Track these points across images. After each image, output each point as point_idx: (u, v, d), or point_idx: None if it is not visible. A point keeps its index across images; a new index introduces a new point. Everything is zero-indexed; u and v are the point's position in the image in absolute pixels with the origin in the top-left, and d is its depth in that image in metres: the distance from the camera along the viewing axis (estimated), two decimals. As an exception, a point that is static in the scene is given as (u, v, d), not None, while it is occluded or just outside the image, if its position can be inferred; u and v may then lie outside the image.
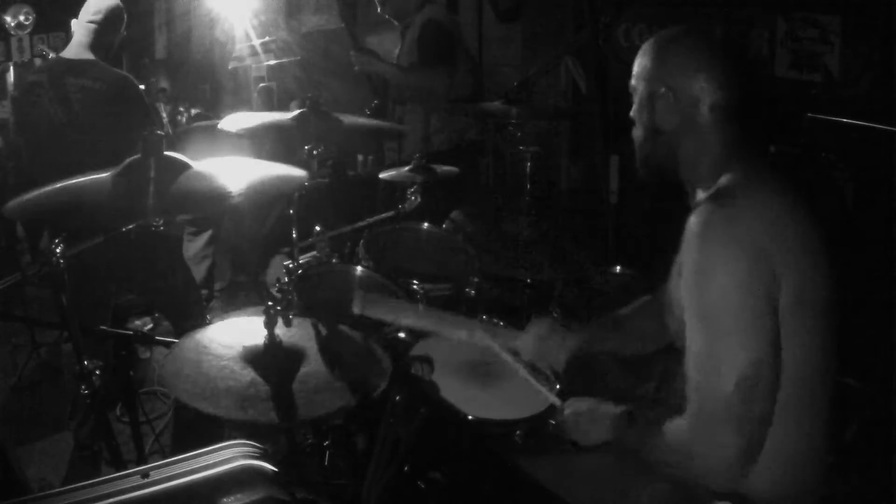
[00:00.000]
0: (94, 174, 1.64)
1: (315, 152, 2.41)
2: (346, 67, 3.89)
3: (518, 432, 1.69)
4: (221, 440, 1.27)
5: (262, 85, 5.35)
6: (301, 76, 5.44)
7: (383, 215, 2.69)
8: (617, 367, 1.95)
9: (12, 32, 4.61)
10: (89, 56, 2.83)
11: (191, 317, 2.97)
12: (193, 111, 4.66)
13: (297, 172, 1.77)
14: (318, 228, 2.60)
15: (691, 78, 1.54)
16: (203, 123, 4.49)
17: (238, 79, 5.64)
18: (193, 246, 4.01)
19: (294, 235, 2.36)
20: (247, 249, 4.25)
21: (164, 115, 4.21)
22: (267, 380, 1.48)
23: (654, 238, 3.32)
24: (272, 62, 5.28)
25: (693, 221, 1.47)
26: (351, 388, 1.50)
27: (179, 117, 4.56)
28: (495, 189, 4.02)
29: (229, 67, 5.36)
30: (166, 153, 1.60)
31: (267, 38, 5.22)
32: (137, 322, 3.89)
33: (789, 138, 2.81)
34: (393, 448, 1.66)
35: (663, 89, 1.56)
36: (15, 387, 3.42)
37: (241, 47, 5.20)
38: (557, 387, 1.81)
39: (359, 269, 2.35)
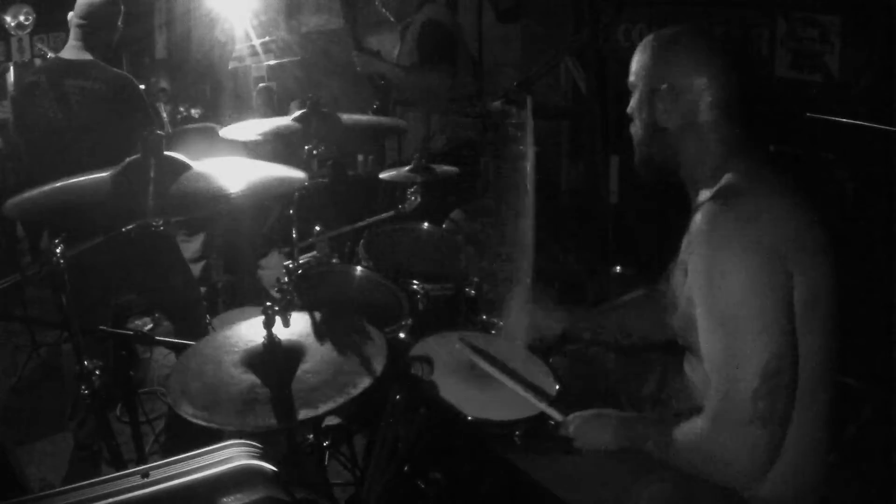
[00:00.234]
0: (93, 174, 1.63)
1: (315, 152, 2.40)
2: (347, 67, 3.89)
3: (517, 432, 1.68)
4: (221, 440, 1.27)
5: (262, 85, 5.35)
6: (301, 76, 5.44)
7: (383, 215, 2.68)
8: (617, 367, 1.95)
9: (12, 32, 4.62)
10: (87, 56, 2.81)
11: (191, 316, 2.97)
12: (195, 111, 4.65)
13: (297, 174, 1.77)
14: (318, 228, 2.60)
15: (692, 75, 1.54)
16: (193, 126, 4.44)
17: (238, 79, 5.65)
18: (189, 248, 4.02)
19: (294, 235, 2.36)
20: (245, 249, 4.25)
21: (164, 115, 4.20)
22: (266, 382, 1.48)
23: (654, 238, 3.32)
24: (272, 62, 5.28)
25: (700, 221, 1.46)
26: (354, 376, 1.50)
27: (179, 116, 4.56)
28: (495, 189, 4.01)
29: (229, 67, 5.36)
30: (166, 153, 1.60)
31: (267, 38, 5.21)
32: (137, 322, 3.89)
33: (789, 138, 2.80)
34: (393, 448, 1.66)
35: (664, 86, 1.56)
36: (15, 387, 3.43)
37: (241, 47, 5.20)
38: (557, 387, 1.80)
39: (359, 269, 2.35)
